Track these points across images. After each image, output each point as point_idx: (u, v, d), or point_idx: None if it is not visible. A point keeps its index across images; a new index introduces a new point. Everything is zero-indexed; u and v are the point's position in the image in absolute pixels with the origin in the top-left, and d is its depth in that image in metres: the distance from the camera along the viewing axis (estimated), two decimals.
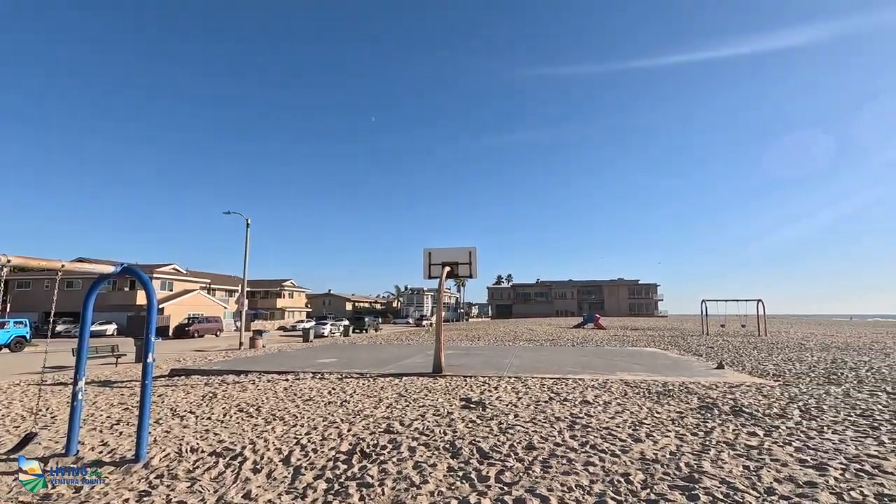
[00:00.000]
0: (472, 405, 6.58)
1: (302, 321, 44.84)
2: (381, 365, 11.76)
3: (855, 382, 8.54)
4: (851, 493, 3.32)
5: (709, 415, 5.85)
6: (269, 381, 9.29)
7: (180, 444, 4.79)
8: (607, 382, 8.54)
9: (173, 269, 39.31)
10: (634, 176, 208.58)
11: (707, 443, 4.57)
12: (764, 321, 25.32)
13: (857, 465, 3.87)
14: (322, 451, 4.51)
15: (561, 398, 7.03)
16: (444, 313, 11.79)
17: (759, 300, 24.96)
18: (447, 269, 11.52)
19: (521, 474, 3.81)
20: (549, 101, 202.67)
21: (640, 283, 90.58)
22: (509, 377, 9.25)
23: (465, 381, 8.91)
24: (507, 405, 6.55)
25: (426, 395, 7.42)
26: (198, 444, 4.82)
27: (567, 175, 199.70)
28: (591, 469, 3.89)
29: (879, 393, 7.31)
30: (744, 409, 6.11)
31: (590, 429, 5.19)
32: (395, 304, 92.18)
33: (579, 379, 8.92)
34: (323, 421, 5.76)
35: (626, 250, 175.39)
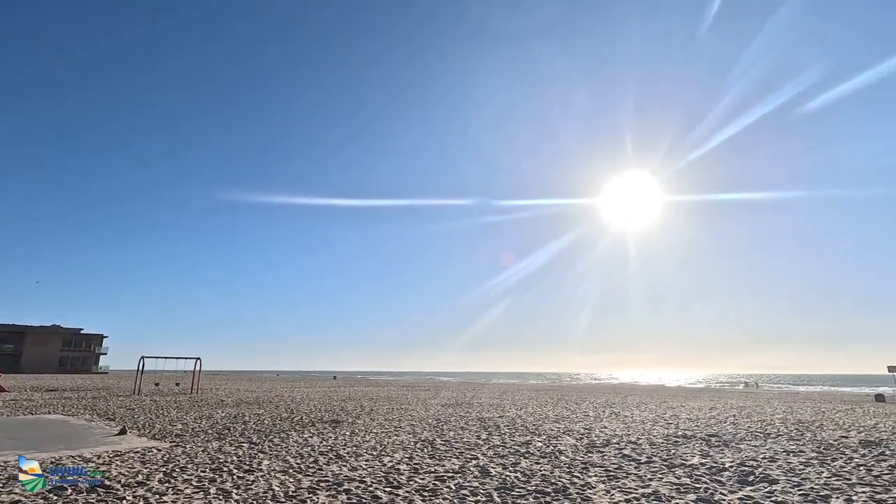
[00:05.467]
0: None
1: None
2: None
3: (237, 434, 9.99)
4: None
5: (55, 498, 5.17)
6: None
7: None
8: None
9: None
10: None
11: None
12: (198, 378, 26.61)
13: None
14: None
15: None
16: None
17: (198, 358, 26.30)
18: None
19: None
20: None
21: (82, 332, 76.79)
22: None
23: None
24: None
25: None
26: None
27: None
28: None
29: (244, 443, 8.84)
30: (105, 482, 5.82)
31: None
32: None
33: None
34: None
35: (72, 294, 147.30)
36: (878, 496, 5.48)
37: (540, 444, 9.12)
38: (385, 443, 9.07)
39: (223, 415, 14.26)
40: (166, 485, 5.77)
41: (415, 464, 7.13)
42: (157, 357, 25.92)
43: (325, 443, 9.00)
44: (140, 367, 25.34)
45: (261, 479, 6.07)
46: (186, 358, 26.55)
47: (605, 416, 14.83)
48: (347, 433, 10.34)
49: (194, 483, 5.85)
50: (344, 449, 8.35)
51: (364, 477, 6.24)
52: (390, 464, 7.13)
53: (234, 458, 7.49)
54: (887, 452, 8.34)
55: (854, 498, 5.40)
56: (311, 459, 7.37)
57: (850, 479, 6.27)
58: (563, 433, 10.61)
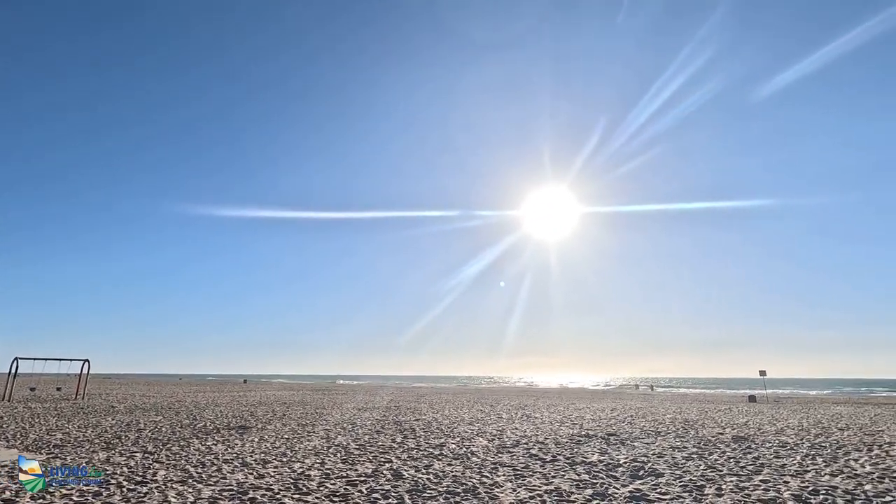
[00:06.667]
0: None
1: None
2: None
3: (130, 444, 9.14)
4: None
5: None
6: None
7: None
8: None
9: None
10: None
11: None
12: (86, 382, 23.96)
13: None
14: None
15: None
16: None
17: (86, 360, 23.63)
18: None
19: None
20: None
21: None
22: None
23: None
24: None
25: None
26: None
27: None
28: None
29: (137, 453, 8.12)
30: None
31: None
32: None
33: None
34: None
35: None
36: (742, 484, 6.25)
37: (454, 445, 9.31)
38: (296, 448, 8.78)
39: (114, 422, 13.00)
40: (40, 501, 5.17)
41: (326, 469, 6.99)
42: (34, 358, 22.87)
43: (230, 450, 8.52)
44: (13, 370, 22.24)
45: (155, 490, 5.63)
46: (72, 360, 23.75)
47: (517, 417, 15.43)
48: (256, 439, 9.86)
49: (75, 498, 5.28)
50: (251, 456, 7.96)
51: (271, 484, 6.01)
52: (301, 470, 6.92)
53: (125, 469, 6.86)
54: (753, 446, 9.51)
55: (723, 486, 6.11)
56: (214, 468, 6.95)
57: (721, 471, 7.08)
58: (477, 435, 10.90)
